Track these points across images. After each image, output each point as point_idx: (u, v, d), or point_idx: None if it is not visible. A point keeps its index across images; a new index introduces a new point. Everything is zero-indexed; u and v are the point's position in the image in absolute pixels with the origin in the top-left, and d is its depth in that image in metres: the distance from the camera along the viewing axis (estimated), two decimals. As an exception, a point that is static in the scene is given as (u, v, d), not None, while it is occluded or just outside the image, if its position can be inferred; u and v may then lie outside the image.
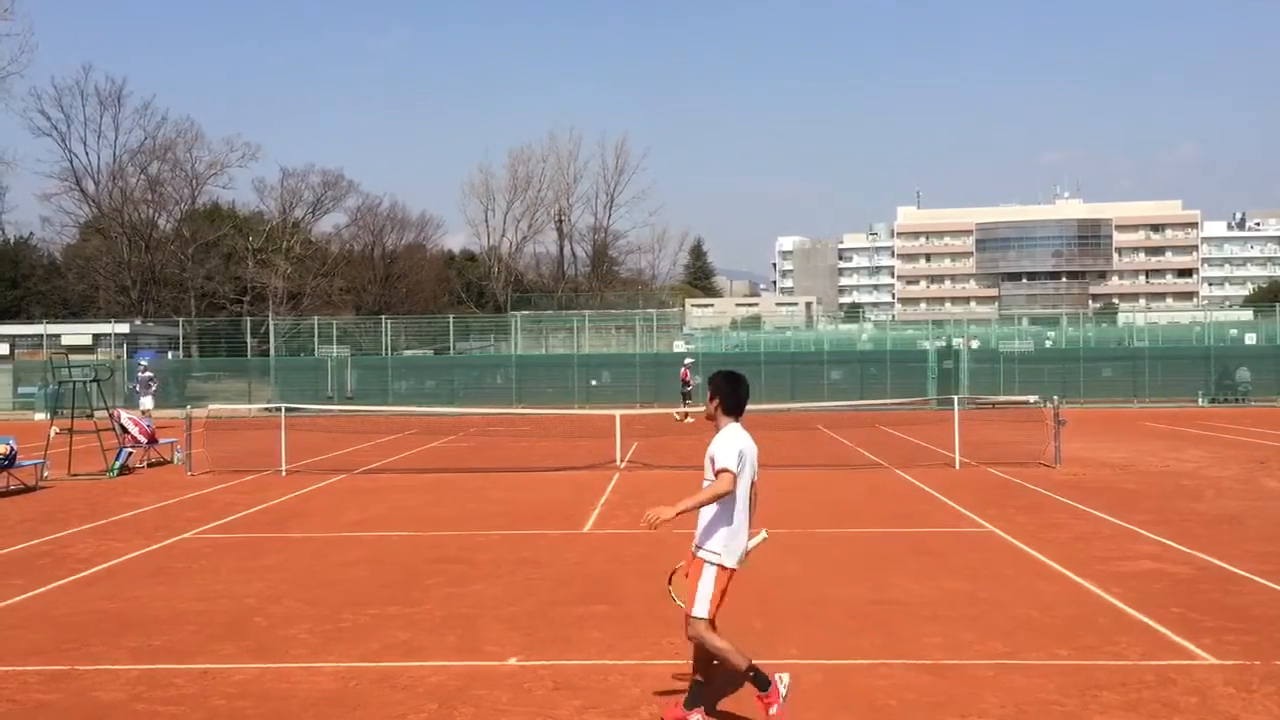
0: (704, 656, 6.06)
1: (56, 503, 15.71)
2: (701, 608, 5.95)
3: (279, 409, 22.57)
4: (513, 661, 7.31)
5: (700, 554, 6.04)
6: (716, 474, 5.93)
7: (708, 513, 5.98)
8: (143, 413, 20.95)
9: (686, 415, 29.62)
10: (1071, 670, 6.93)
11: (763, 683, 5.90)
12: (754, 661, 5.98)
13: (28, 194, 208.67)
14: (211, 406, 27.87)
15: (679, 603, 6.21)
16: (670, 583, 6.42)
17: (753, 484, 6.11)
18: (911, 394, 37.42)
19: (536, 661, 7.24)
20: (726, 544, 5.98)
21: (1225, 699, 6.36)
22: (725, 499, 5.92)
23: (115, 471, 18.97)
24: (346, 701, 6.55)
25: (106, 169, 70.02)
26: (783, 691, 5.90)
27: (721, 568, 5.99)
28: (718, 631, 6.01)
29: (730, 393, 6.20)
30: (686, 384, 33.41)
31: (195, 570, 10.65)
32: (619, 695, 6.56)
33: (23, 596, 9.56)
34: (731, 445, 5.96)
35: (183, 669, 7.23)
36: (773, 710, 5.87)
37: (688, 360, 35.15)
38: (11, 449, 16.87)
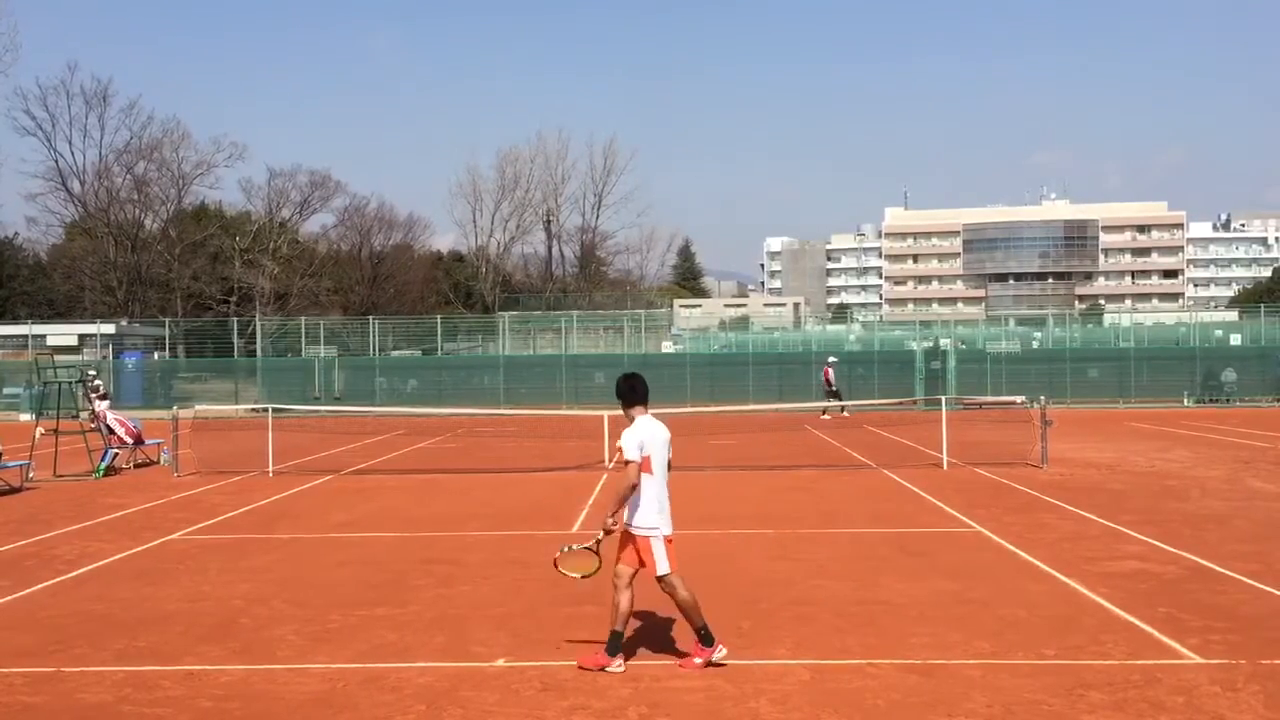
0: (626, 610, 7.05)
1: (42, 504, 15.63)
2: (666, 566, 7.03)
3: (266, 410, 22.52)
4: (501, 662, 7.30)
5: (638, 532, 7.04)
6: (625, 464, 7.02)
7: (636, 497, 7.02)
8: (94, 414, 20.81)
9: (843, 409, 32.18)
10: (1058, 670, 6.95)
11: (708, 640, 7.06)
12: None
13: (13, 194, 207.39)
14: (198, 407, 27.79)
15: (572, 575, 7.36)
16: (557, 566, 7.43)
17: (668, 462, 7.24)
18: (899, 394, 37.45)
19: (525, 662, 7.23)
20: (660, 517, 7.06)
21: (1211, 698, 6.39)
22: (647, 482, 7.01)
23: (101, 472, 18.89)
24: (334, 703, 6.54)
25: (92, 168, 69.78)
26: (717, 655, 7.01)
27: (666, 536, 7.06)
28: (685, 583, 7.07)
29: (629, 390, 7.28)
30: (830, 384, 33.90)
31: (182, 571, 10.61)
32: (607, 696, 6.56)
33: (8, 598, 9.51)
34: (633, 437, 7.05)
35: (169, 670, 7.21)
36: (696, 660, 7.02)
37: (831, 359, 35.48)
38: (-4, 450, 16.79)
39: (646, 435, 7.09)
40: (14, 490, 16.94)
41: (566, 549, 7.44)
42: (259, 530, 13.12)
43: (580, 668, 7.00)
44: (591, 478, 17.80)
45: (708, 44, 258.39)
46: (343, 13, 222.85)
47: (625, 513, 7.05)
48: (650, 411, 7.30)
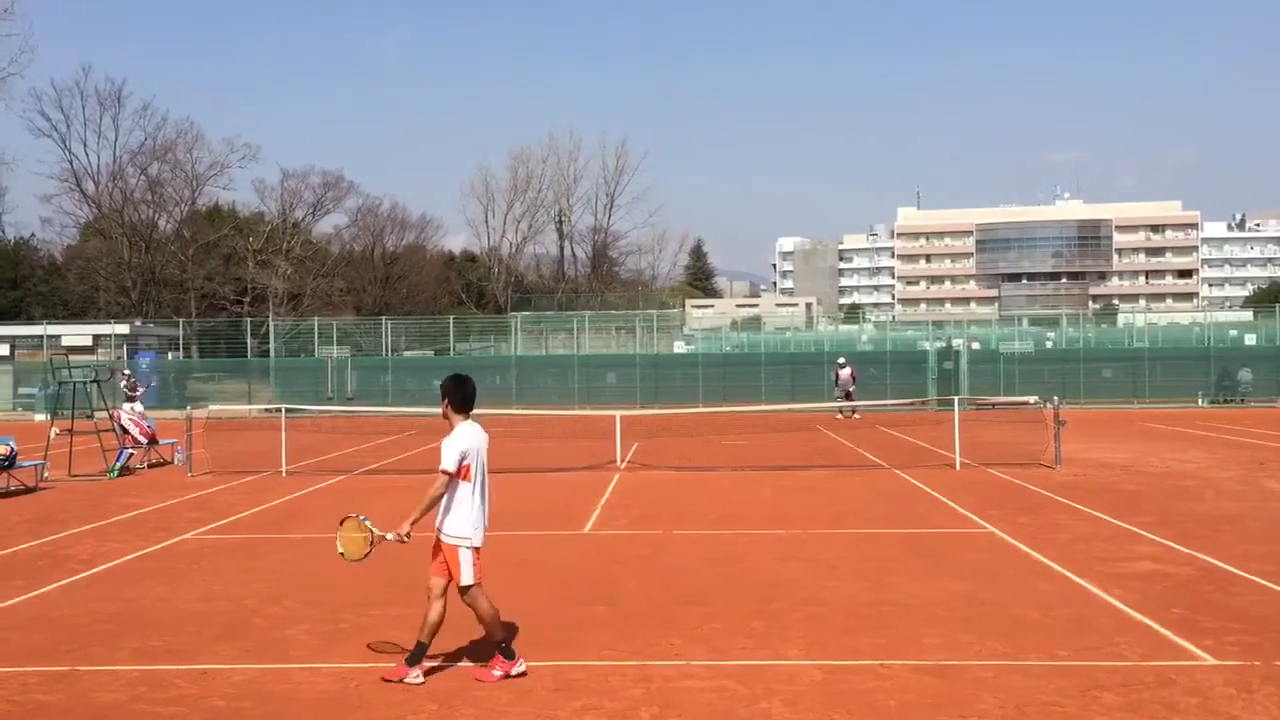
0: (436, 622, 6.94)
1: (57, 504, 15.71)
2: (469, 577, 6.89)
3: (279, 410, 22.58)
4: (513, 662, 7.30)
5: (447, 540, 6.94)
6: (440, 473, 6.87)
7: (450, 503, 6.91)
8: (142, 415, 21.00)
9: (854, 412, 32.33)
10: (1072, 671, 6.93)
11: (509, 654, 6.95)
12: (512, 643, 7.04)
13: (28, 195, 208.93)
14: (212, 407, 27.85)
15: (340, 548, 7.27)
16: (341, 525, 7.35)
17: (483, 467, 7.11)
18: (912, 395, 37.36)
19: (536, 662, 7.23)
20: (473, 528, 6.92)
21: (1226, 700, 6.36)
22: (459, 489, 6.88)
23: (115, 472, 18.96)
24: (347, 702, 6.55)
25: (106, 170, 70.03)
26: (516, 670, 6.89)
27: (474, 549, 6.94)
28: (487, 596, 6.94)
29: (461, 397, 7.09)
30: (852, 381, 33.91)
31: (195, 571, 10.65)
32: (619, 696, 6.56)
33: (23, 597, 9.56)
34: (453, 447, 6.89)
35: (183, 670, 7.23)
36: (495, 672, 6.89)
37: (841, 359, 35.31)
38: (12, 450, 16.86)
39: (469, 444, 6.95)
40: (29, 490, 17.02)
41: (364, 519, 7.25)
42: (272, 530, 13.16)
43: (384, 680, 6.85)
44: (604, 478, 17.81)
45: (719, 43, 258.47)
46: (356, 14, 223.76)
47: (437, 518, 6.94)
48: (472, 416, 7.14)
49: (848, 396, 32.72)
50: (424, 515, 6.89)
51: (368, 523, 7.21)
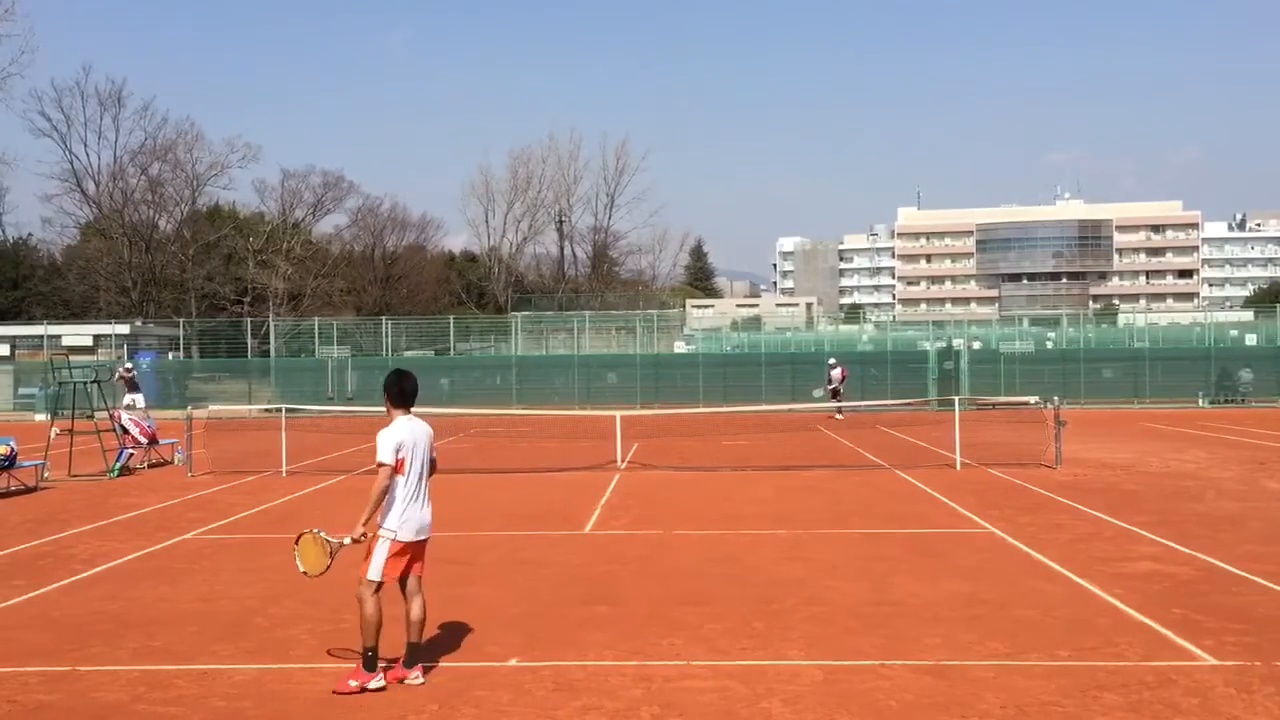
0: (419, 619, 6.97)
1: (57, 504, 15.71)
2: (374, 573, 6.82)
3: (280, 410, 22.58)
4: (513, 662, 7.31)
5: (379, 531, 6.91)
6: (378, 466, 6.83)
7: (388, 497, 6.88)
8: (145, 414, 21.06)
9: (838, 412, 32.51)
10: (1072, 671, 6.93)
11: (371, 664, 6.71)
12: (380, 656, 6.79)
13: (28, 195, 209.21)
14: (212, 407, 27.86)
15: (301, 566, 7.17)
16: (297, 543, 7.23)
17: (432, 461, 7.13)
18: (912, 395, 37.31)
19: (537, 662, 7.24)
20: (399, 521, 6.84)
21: (1226, 700, 6.36)
22: (395, 483, 6.83)
23: (116, 472, 18.95)
24: (348, 702, 6.55)
25: (107, 170, 69.99)
26: (374, 685, 6.66)
27: (394, 541, 6.84)
28: (378, 601, 6.81)
29: (399, 392, 7.06)
30: (841, 381, 33.83)
31: (196, 571, 10.65)
32: (619, 696, 6.56)
33: (23, 597, 9.56)
34: (389, 439, 6.83)
35: (183, 670, 7.24)
36: (351, 683, 6.67)
37: (831, 360, 35.15)
38: (12, 450, 16.85)
39: (405, 437, 6.88)
40: (29, 490, 17.02)
41: (319, 532, 7.16)
42: (273, 530, 13.16)
43: (335, 692, 6.71)
44: (604, 478, 17.81)
45: (720, 43, 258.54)
46: (356, 13, 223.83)
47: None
48: (414, 411, 7.08)
49: (835, 395, 32.73)
50: (373, 512, 6.83)
51: (323, 535, 7.13)
